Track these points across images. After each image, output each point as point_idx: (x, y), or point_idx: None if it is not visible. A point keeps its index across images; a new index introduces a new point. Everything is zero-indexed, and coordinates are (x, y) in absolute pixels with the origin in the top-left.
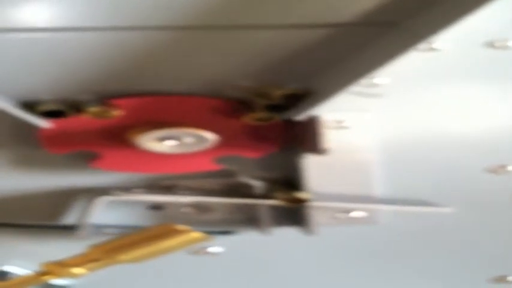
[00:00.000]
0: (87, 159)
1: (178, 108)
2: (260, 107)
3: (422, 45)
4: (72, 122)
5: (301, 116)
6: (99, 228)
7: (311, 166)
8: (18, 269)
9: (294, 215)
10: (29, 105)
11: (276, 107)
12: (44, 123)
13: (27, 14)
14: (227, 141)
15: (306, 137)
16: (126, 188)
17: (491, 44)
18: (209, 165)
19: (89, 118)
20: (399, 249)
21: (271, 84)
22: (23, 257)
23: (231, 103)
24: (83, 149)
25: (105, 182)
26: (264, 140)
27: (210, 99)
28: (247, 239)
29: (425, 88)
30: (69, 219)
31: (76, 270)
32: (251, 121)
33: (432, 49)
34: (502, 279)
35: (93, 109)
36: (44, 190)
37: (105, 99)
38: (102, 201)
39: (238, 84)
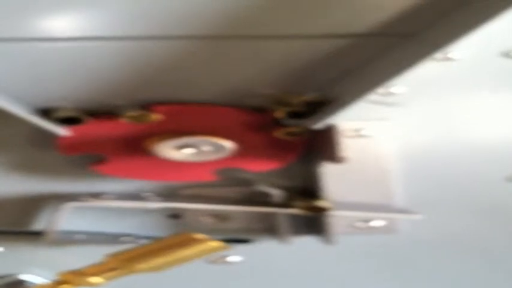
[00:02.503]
0: (89, 163)
1: (201, 116)
2: (285, 119)
3: (438, 55)
4: (88, 129)
5: (320, 124)
6: (68, 234)
7: (329, 175)
8: (35, 278)
9: (313, 224)
10: (46, 112)
11: (296, 115)
12: (61, 130)
13: (50, 24)
14: (246, 151)
15: (324, 146)
16: (96, 194)
17: (507, 54)
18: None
19: (105, 125)
20: (419, 258)
21: (291, 92)
22: (40, 265)
23: (255, 115)
24: (94, 153)
25: (115, 188)
26: (285, 150)
27: (234, 109)
28: (265, 247)
29: (443, 97)
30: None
31: (93, 279)
32: (281, 135)
33: (448, 59)
34: None
35: (132, 113)
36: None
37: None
38: (68, 207)
39: (258, 92)
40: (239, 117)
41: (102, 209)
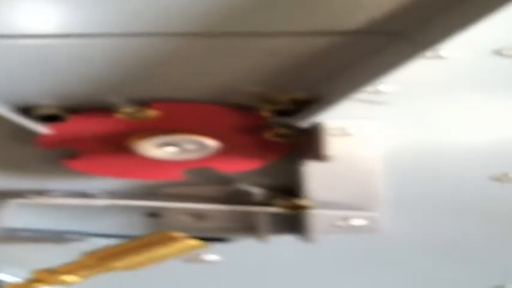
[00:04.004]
0: (64, 159)
1: (187, 114)
2: (272, 117)
3: (429, 53)
4: (69, 127)
5: (307, 123)
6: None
7: (312, 173)
8: (9, 277)
9: (293, 222)
10: (27, 110)
11: (283, 113)
12: (42, 128)
13: (31, 21)
14: (230, 150)
15: (309, 144)
16: (43, 192)
17: (498, 52)
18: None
19: (86, 123)
20: (398, 258)
21: (278, 90)
22: (13, 264)
23: (242, 113)
24: (71, 148)
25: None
26: (269, 150)
27: (221, 107)
28: (244, 246)
29: (431, 97)
30: None
31: (68, 277)
32: (269, 137)
33: (439, 57)
34: None
35: (128, 110)
36: None
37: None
38: (13, 204)
39: (245, 89)
40: (226, 116)
41: (82, 207)
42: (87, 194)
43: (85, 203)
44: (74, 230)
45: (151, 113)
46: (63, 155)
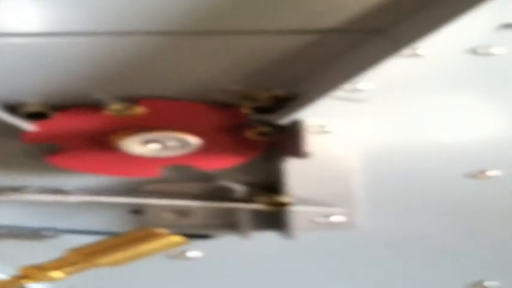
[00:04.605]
0: (47, 155)
1: (169, 112)
2: (252, 114)
3: (406, 51)
4: (54, 124)
5: (286, 120)
6: None
7: (292, 170)
8: None
9: (274, 219)
10: (12, 107)
11: (263, 110)
12: (27, 125)
13: (16, 19)
14: (211, 146)
15: (289, 141)
16: (17, 188)
17: (474, 51)
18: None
19: (71, 120)
20: (377, 256)
21: (258, 88)
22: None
23: (223, 111)
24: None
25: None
26: (250, 148)
27: (202, 105)
28: (226, 243)
29: (408, 95)
30: None
31: (54, 273)
32: (250, 136)
33: (416, 55)
34: (478, 284)
35: (116, 107)
36: None
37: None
38: None
39: (226, 87)
40: (208, 114)
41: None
42: (63, 191)
43: (60, 200)
44: (57, 228)
45: (139, 109)
46: (45, 151)
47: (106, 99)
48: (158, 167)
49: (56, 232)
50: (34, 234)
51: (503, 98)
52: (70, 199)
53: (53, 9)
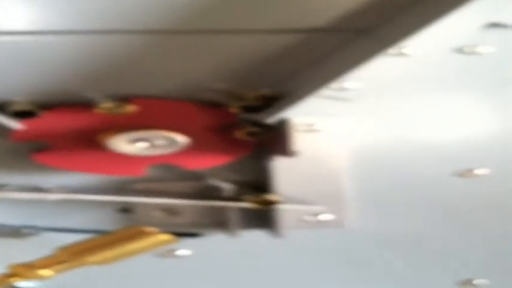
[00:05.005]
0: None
1: (155, 111)
2: (240, 113)
3: (392, 51)
4: (42, 122)
5: (274, 119)
6: None
7: (280, 169)
8: None
9: (263, 218)
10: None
11: (251, 109)
12: (14, 124)
13: (2, 18)
14: (199, 146)
15: (277, 140)
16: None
17: (460, 50)
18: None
19: (59, 118)
20: (366, 254)
21: (246, 87)
22: None
23: (212, 110)
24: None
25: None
26: (239, 147)
27: (190, 104)
28: (215, 241)
29: (396, 94)
30: None
31: (43, 272)
32: (239, 136)
33: (402, 54)
34: (468, 282)
35: (107, 105)
36: None
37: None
38: None
39: (214, 86)
40: (197, 113)
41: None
42: (43, 189)
43: (40, 198)
44: (46, 226)
45: (130, 108)
46: (31, 150)
47: (97, 98)
48: (145, 165)
49: (37, 230)
50: (14, 232)
51: (490, 97)
52: (50, 197)
53: (40, 7)
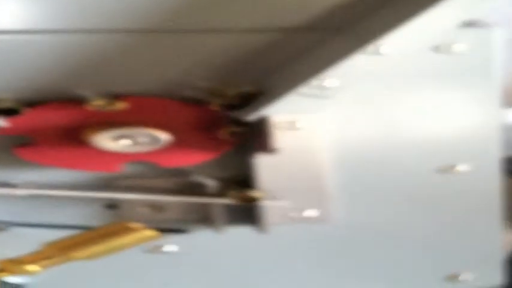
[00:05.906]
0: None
1: (136, 108)
2: (221, 111)
3: (370, 49)
4: (26, 119)
5: (254, 116)
6: None
7: (263, 165)
8: None
9: (248, 214)
10: None
11: (231, 107)
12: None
13: None
14: (181, 143)
15: (258, 137)
16: None
17: (436, 48)
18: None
19: (43, 115)
20: (351, 249)
21: (226, 85)
22: None
23: (193, 107)
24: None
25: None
26: (221, 144)
27: (172, 101)
28: (201, 237)
29: (375, 91)
30: None
31: (30, 267)
32: (223, 135)
33: (379, 53)
34: (454, 277)
35: (98, 102)
36: None
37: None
38: None
39: (194, 84)
40: (178, 110)
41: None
42: (10, 184)
43: (5, 193)
44: (32, 222)
45: (121, 105)
46: (13, 144)
47: (88, 95)
48: (123, 162)
49: (7, 225)
50: None
51: (469, 94)
52: (17, 192)
53: (25, 6)
